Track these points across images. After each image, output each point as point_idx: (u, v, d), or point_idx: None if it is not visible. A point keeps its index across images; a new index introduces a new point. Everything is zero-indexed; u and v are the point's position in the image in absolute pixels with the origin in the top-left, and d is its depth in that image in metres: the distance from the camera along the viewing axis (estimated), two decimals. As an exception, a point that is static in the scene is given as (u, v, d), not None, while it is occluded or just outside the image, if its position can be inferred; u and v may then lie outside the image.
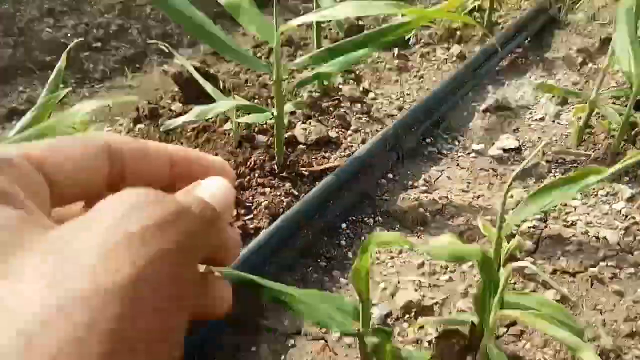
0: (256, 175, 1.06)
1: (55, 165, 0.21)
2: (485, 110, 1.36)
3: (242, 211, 0.98)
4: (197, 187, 0.24)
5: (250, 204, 0.99)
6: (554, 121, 1.31)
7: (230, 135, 1.16)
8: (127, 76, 1.75)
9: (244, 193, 1.02)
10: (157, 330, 0.17)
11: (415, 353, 0.64)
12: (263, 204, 0.98)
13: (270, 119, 1.06)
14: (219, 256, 0.25)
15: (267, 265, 0.84)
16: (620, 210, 0.95)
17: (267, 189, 1.03)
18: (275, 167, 1.06)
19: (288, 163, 1.08)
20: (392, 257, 0.92)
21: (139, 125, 1.34)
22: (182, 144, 1.21)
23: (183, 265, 0.19)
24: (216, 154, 1.06)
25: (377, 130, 1.27)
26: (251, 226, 0.95)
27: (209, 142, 1.17)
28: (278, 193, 1.02)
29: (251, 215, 0.97)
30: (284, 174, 1.06)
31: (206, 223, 0.22)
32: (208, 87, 1.09)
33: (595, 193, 1.02)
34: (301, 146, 1.17)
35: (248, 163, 1.08)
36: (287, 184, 1.04)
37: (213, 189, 0.24)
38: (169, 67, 1.70)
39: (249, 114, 1.09)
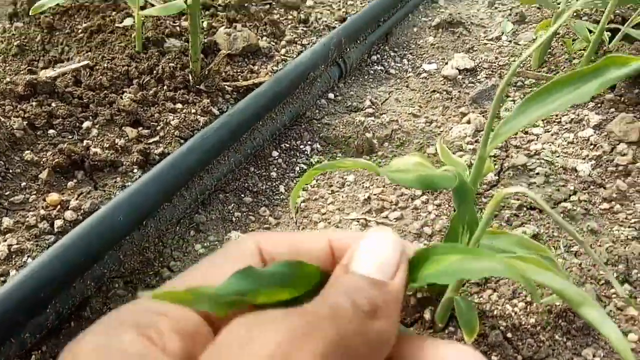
0: (165, 87, 0.84)
1: None
2: (437, 26, 1.20)
3: (145, 132, 0.77)
4: (354, 258, 0.22)
5: (156, 124, 0.78)
6: (510, 41, 1.17)
7: (133, 35, 0.92)
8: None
9: (148, 110, 0.81)
10: None
11: None
12: (172, 123, 0.77)
13: (184, 10, 0.83)
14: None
15: (171, 204, 0.66)
16: (589, 139, 0.84)
17: (179, 105, 0.82)
18: (190, 78, 0.85)
19: (207, 73, 0.87)
20: (332, 192, 0.77)
21: (16, 24, 1.05)
22: (70, 48, 0.96)
23: None
24: (112, 59, 0.83)
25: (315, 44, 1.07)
26: (156, 151, 0.75)
27: (104, 45, 0.92)
28: (193, 111, 0.81)
29: (156, 138, 0.77)
30: (201, 87, 0.85)
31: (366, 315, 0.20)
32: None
33: (558, 120, 0.91)
34: (224, 56, 0.95)
35: (155, 72, 0.85)
36: (205, 100, 0.84)
37: (372, 257, 0.22)
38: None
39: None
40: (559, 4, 0.99)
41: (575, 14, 1.12)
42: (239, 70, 0.95)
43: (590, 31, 0.97)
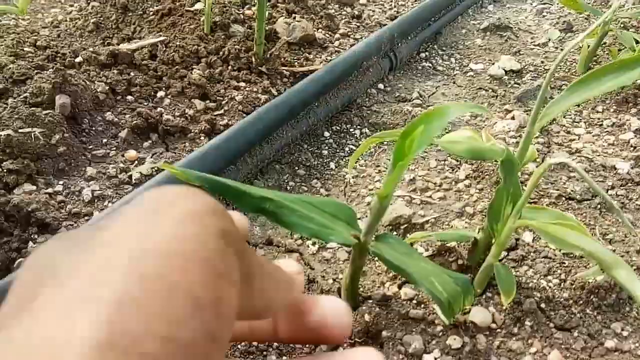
0: (229, 67, 0.91)
1: None
2: (485, 30, 1.24)
3: (212, 105, 0.84)
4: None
5: (221, 98, 0.85)
6: (557, 47, 1.20)
7: (202, 19, 1.00)
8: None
9: (214, 86, 0.88)
10: None
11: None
12: (237, 98, 0.84)
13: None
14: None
15: (235, 167, 0.72)
16: (629, 141, 0.87)
17: (242, 84, 0.89)
18: (253, 60, 0.92)
19: (268, 57, 0.93)
20: (379, 171, 0.82)
21: (92, 3, 1.14)
22: (141, 28, 1.04)
23: None
24: (183, 39, 0.90)
25: (367, 37, 1.13)
26: (221, 123, 0.81)
27: (175, 27, 1.00)
28: (254, 89, 0.88)
29: (221, 111, 0.84)
30: (262, 69, 0.92)
31: None
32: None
33: (600, 123, 0.94)
34: (284, 42, 1.02)
35: (221, 52, 0.92)
36: (266, 82, 0.90)
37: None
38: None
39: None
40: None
41: (622, 24, 1.15)
42: (295, 58, 1.01)
43: (637, 41, 1.00)
